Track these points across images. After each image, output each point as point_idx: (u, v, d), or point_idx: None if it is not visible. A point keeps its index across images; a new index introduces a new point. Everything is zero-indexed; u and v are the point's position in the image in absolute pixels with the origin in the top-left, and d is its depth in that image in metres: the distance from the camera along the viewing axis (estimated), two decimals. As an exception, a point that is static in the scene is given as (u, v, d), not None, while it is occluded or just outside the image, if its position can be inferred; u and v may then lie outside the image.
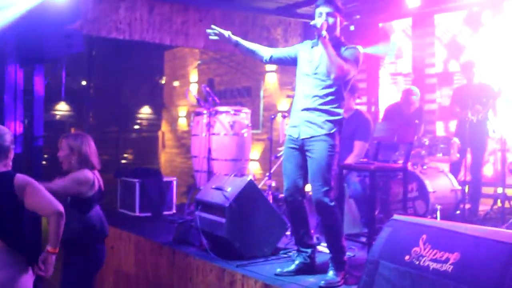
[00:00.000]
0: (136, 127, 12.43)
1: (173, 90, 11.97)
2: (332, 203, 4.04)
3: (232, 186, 4.69)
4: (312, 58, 4.11)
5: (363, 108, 8.60)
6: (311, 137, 4.04)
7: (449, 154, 5.91)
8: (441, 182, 5.89)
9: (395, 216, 3.56)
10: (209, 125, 6.12)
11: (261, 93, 6.54)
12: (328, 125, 4.03)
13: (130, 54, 11.06)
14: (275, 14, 8.59)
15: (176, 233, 5.25)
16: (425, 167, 6.03)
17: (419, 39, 7.78)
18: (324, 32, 3.89)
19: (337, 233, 4.14)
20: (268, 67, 9.30)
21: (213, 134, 6.19)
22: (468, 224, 3.18)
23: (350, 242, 4.77)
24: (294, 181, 4.18)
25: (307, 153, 4.07)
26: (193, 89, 11.50)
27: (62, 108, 11.42)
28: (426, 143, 6.00)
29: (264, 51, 4.33)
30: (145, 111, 12.52)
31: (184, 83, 11.76)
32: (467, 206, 6.09)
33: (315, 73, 4.07)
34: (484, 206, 6.83)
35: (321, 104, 4.05)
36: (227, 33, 4.24)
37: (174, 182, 6.88)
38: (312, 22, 3.93)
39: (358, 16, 7.83)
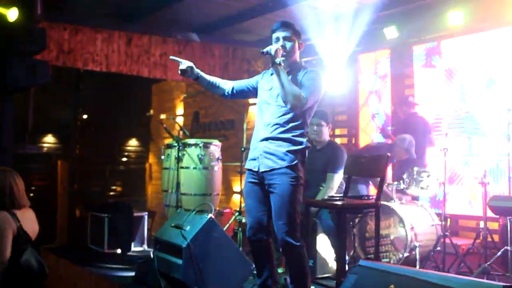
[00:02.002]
0: (124, 159, 11.82)
1: (175, 124, 11.41)
2: (298, 243, 3.44)
3: (191, 225, 4.07)
4: (272, 85, 3.58)
5: (344, 140, 8.04)
6: (272, 169, 3.46)
7: (428, 188, 5.31)
8: (419, 217, 5.26)
9: (362, 262, 2.96)
10: (179, 158, 5.51)
11: (245, 126, 5.95)
12: (290, 156, 3.46)
13: (118, 86, 10.54)
14: (256, 46, 8.07)
15: (136, 273, 4.61)
16: (403, 200, 5.43)
17: (398, 71, 7.25)
18: (278, 59, 3.40)
19: (303, 276, 3.54)
20: (251, 100, 8.77)
21: (182, 167, 5.58)
22: (442, 273, 2.59)
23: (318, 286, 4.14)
24: (257, 219, 3.58)
25: (269, 188, 3.49)
26: (179, 121, 10.95)
27: (49, 140, 10.82)
28: (404, 176, 5.41)
29: (225, 84, 3.80)
30: (133, 143, 11.93)
31: (170, 116, 11.20)
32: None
33: (276, 101, 3.53)
34: (465, 240, 6.24)
35: (282, 133, 3.49)
36: (188, 63, 3.64)
37: (146, 217, 6.24)
38: (265, 49, 3.42)
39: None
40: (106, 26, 7.13)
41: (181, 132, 5.92)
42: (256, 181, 3.57)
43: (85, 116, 10.71)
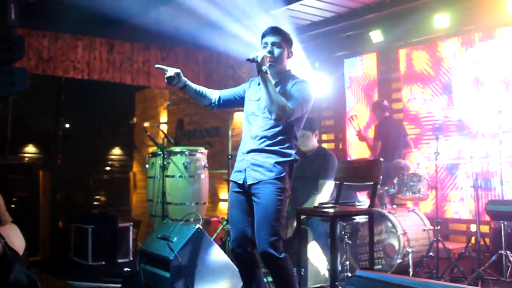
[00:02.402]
0: (107, 168, 11.58)
1: (159, 132, 11.20)
2: (282, 255, 3.25)
3: (178, 235, 3.90)
4: (260, 96, 3.38)
5: (331, 145, 7.92)
6: (259, 182, 3.29)
7: (419, 192, 5.19)
8: (411, 222, 5.14)
9: (358, 272, 2.80)
10: (164, 167, 5.32)
11: (230, 133, 5.77)
12: (278, 168, 3.29)
13: (101, 95, 10.33)
14: (240, 52, 7.92)
15: (122, 287, 4.41)
16: (394, 206, 5.31)
17: (384, 75, 7.14)
18: (265, 67, 3.22)
19: None
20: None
21: (167, 176, 5.38)
22: (443, 282, 2.45)
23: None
24: (242, 230, 3.39)
25: (253, 198, 3.31)
26: (164, 128, 10.76)
27: (30, 151, 10.55)
28: (395, 181, 5.29)
29: (212, 94, 3.58)
30: (116, 152, 11.69)
31: (154, 124, 11.02)
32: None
33: (263, 113, 3.36)
34: (456, 244, 6.14)
35: (270, 145, 3.32)
36: (175, 70, 3.40)
37: (131, 228, 6.04)
38: (251, 55, 3.23)
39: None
40: (87, 32, 6.93)
41: (165, 140, 5.71)
42: (241, 190, 3.40)
43: (67, 125, 10.46)
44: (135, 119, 11.53)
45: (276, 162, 3.29)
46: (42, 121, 10.25)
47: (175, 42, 7.54)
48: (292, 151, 3.37)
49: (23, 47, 5.38)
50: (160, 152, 5.49)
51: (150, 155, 5.85)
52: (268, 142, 3.32)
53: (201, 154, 5.72)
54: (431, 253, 5.06)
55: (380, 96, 7.13)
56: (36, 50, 6.63)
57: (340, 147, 7.71)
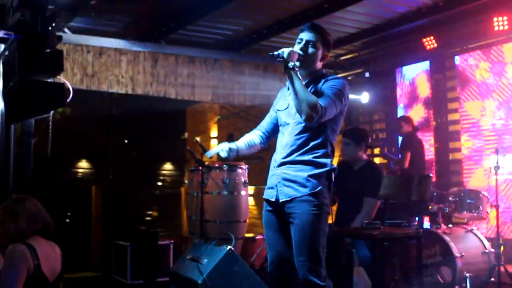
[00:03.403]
0: (159, 183, 11.45)
1: (195, 145, 11.02)
2: (323, 283, 2.88)
3: (209, 257, 3.58)
4: (289, 103, 3.04)
5: (384, 161, 7.43)
6: (292, 199, 2.92)
7: (478, 210, 4.68)
8: (469, 244, 4.64)
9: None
10: (202, 183, 5.03)
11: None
12: (312, 183, 2.91)
13: (152, 109, 10.23)
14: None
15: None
16: (450, 225, 4.81)
17: (439, 83, 6.63)
18: (291, 63, 2.83)
19: None
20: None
21: (206, 192, 5.09)
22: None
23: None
24: (279, 252, 3.04)
25: (288, 218, 2.95)
26: (213, 144, 10.55)
27: (83, 166, 10.56)
28: (450, 198, 4.80)
29: (258, 137, 3.28)
30: (168, 167, 11.55)
31: (205, 138, 10.82)
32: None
33: (294, 118, 2.99)
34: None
35: (302, 154, 2.95)
36: (224, 147, 3.14)
37: (171, 245, 5.77)
38: (276, 52, 2.86)
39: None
40: (131, 47, 6.79)
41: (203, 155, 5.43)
42: (273, 209, 3.05)
43: (118, 140, 10.42)
44: (186, 134, 11.39)
45: (309, 176, 2.91)
46: (94, 136, 10.26)
47: (220, 55, 7.30)
48: (328, 160, 2.97)
49: (61, 62, 5.31)
50: (199, 168, 5.21)
51: (189, 171, 5.59)
52: (300, 150, 2.95)
53: (241, 170, 5.39)
54: (492, 279, 4.54)
55: (436, 107, 6.63)
56: (81, 66, 6.53)
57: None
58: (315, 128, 2.94)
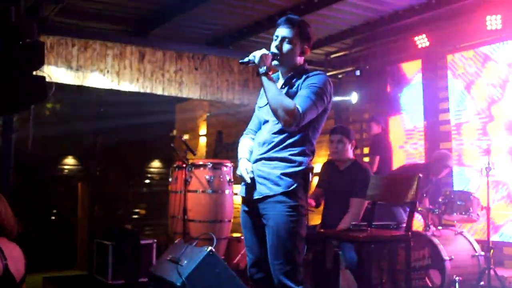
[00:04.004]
0: (147, 181, 11.27)
1: (181, 143, 10.82)
2: (299, 287, 2.73)
3: (188, 259, 3.41)
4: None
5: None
6: (265, 197, 2.75)
7: (468, 213, 4.53)
8: (459, 247, 4.50)
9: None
10: (186, 181, 4.86)
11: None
12: (286, 180, 2.73)
13: (140, 106, 10.04)
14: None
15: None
16: (439, 228, 4.66)
17: (430, 83, 6.48)
18: (263, 68, 2.69)
19: None
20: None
21: (189, 191, 4.91)
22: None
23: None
24: (258, 255, 2.88)
25: (263, 219, 2.78)
26: (202, 141, 10.39)
27: (69, 163, 10.35)
28: (440, 200, 4.65)
29: (251, 139, 3.02)
30: (156, 165, 11.37)
31: (194, 136, 10.65)
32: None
33: (272, 116, 2.79)
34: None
35: (276, 152, 2.77)
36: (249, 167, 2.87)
37: (154, 245, 5.59)
38: (245, 58, 2.75)
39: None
40: (118, 41, 6.60)
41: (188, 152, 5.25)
42: (248, 209, 2.88)
43: (105, 137, 10.23)
44: (175, 132, 11.20)
45: (283, 174, 2.72)
46: (82, 133, 10.06)
47: (209, 51, 7.13)
48: (305, 158, 2.78)
49: (42, 54, 5.12)
50: (183, 165, 5.03)
51: (173, 168, 5.41)
52: (277, 148, 2.77)
53: (226, 168, 5.22)
54: (482, 282, 4.40)
55: (426, 106, 6.49)
56: (65, 59, 6.34)
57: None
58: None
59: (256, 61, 2.71)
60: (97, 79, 6.47)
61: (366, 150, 7.28)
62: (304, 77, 2.81)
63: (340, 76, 7.23)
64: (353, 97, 6.97)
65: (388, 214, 4.41)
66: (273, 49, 2.79)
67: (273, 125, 2.80)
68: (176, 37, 6.86)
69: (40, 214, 9.10)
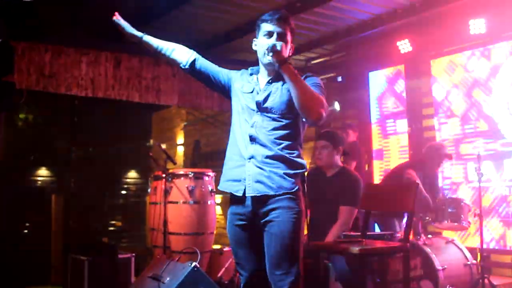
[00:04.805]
0: (123, 192, 10.92)
1: (161, 153, 10.53)
2: None
3: (171, 276, 3.15)
4: (254, 88, 2.68)
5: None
6: (265, 197, 2.53)
7: (459, 220, 4.36)
8: (451, 256, 4.32)
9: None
10: (166, 192, 4.59)
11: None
12: (289, 181, 2.53)
13: (116, 115, 9.74)
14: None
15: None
16: (430, 236, 4.48)
17: (414, 88, 6.34)
18: (286, 57, 2.54)
19: None
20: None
21: (170, 202, 4.64)
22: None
23: None
24: (255, 270, 2.63)
25: (263, 225, 2.56)
26: (180, 151, 10.12)
27: (42, 174, 9.96)
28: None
29: (186, 53, 2.81)
30: (132, 175, 11.03)
31: (171, 146, 10.37)
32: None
33: (264, 109, 2.61)
34: (501, 279, 5.23)
35: (275, 151, 2.56)
36: (123, 25, 2.80)
37: (133, 259, 5.28)
38: (267, 43, 2.55)
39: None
40: (93, 47, 6.31)
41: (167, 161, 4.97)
42: (243, 218, 2.61)
43: (80, 147, 9.88)
44: (151, 141, 10.91)
45: (286, 173, 2.53)
46: (55, 143, 9.70)
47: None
48: (303, 161, 2.62)
49: (11, 60, 4.83)
50: (163, 175, 4.76)
51: (152, 178, 5.13)
52: (275, 146, 2.56)
53: (209, 178, 4.96)
54: (475, 292, 4.22)
55: (409, 112, 6.34)
56: (38, 66, 6.02)
57: (366, 168, 6.89)
58: (289, 126, 2.60)
59: (279, 48, 2.52)
60: (70, 86, 6.16)
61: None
62: (302, 77, 2.64)
63: (321, 82, 7.04)
64: (336, 106, 6.78)
65: (380, 222, 4.21)
66: (279, 46, 2.55)
67: (267, 121, 2.60)
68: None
69: (11, 227, 8.71)
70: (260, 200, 2.54)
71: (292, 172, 2.55)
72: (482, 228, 4.32)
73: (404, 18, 5.55)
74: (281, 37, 2.63)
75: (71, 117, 9.54)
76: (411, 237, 4.36)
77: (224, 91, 2.83)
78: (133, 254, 5.30)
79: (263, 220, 2.55)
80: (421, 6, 5.32)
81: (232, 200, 2.67)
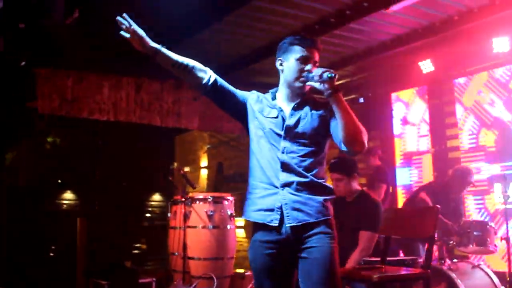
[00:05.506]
0: (148, 215, 10.92)
1: (181, 177, 10.54)
2: None
3: (186, 302, 3.09)
4: (279, 113, 2.55)
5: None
6: (305, 224, 2.42)
7: (485, 244, 4.21)
8: (477, 281, 4.16)
9: None
10: (185, 216, 4.55)
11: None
12: (326, 208, 2.46)
13: (140, 139, 9.79)
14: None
15: None
16: (455, 260, 4.33)
17: (437, 108, 6.22)
18: (338, 86, 2.46)
19: None
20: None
21: (189, 226, 4.59)
22: None
23: None
24: None
25: (300, 252, 2.44)
26: (203, 174, 10.11)
27: (68, 197, 10.03)
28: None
29: (204, 72, 2.59)
30: (156, 198, 11.03)
31: (195, 169, 10.38)
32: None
33: (294, 134, 2.51)
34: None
35: (309, 177, 2.47)
36: (141, 33, 2.46)
37: (153, 284, 5.24)
38: (329, 72, 2.39)
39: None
40: (114, 71, 6.37)
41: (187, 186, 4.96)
42: (274, 247, 2.47)
43: (105, 171, 9.93)
44: (175, 164, 10.90)
45: (325, 200, 2.46)
46: (80, 166, 9.78)
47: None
48: (332, 187, 2.55)
49: (34, 87, 4.88)
50: (182, 200, 4.73)
51: (172, 203, 5.10)
52: (307, 173, 2.47)
53: (228, 202, 4.90)
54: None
55: (433, 133, 6.22)
56: (60, 91, 6.09)
57: (390, 190, 6.75)
58: (318, 152, 2.53)
59: (336, 76, 2.41)
60: (93, 111, 6.22)
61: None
62: (315, 102, 2.59)
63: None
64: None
65: (404, 245, 4.09)
66: (335, 74, 2.42)
67: (297, 147, 2.50)
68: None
69: (38, 251, 8.78)
70: (298, 229, 2.43)
71: (328, 198, 2.49)
72: (510, 251, 4.16)
73: (425, 38, 5.48)
74: (315, 64, 2.55)
75: (96, 140, 9.66)
76: (435, 262, 4.23)
77: (238, 113, 2.65)
78: (154, 279, 5.26)
79: (301, 247, 2.44)
80: (441, 25, 5.24)
81: (261, 229, 2.51)
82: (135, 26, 2.43)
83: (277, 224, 2.44)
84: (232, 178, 9.29)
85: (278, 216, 2.45)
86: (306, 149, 2.50)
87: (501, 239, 4.23)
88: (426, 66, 5.86)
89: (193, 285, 3.31)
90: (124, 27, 2.42)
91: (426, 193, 4.54)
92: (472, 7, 4.92)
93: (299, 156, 2.48)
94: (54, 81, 6.07)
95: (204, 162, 10.24)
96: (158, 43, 2.50)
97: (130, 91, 6.47)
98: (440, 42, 5.54)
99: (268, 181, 2.50)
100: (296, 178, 2.45)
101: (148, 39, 2.47)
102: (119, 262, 8.85)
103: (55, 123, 8.85)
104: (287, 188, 2.46)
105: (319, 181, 2.48)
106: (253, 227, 2.56)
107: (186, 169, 10.56)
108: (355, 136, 2.41)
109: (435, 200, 4.32)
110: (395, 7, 4.78)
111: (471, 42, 5.41)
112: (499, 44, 5.25)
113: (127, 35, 2.44)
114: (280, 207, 2.45)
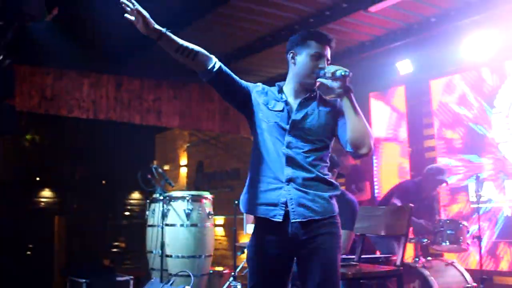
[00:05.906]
0: (126, 213, 10.90)
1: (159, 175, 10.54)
2: None
3: (164, 299, 3.13)
4: (285, 107, 2.50)
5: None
6: (310, 221, 2.36)
7: (458, 242, 4.31)
8: (450, 278, 4.26)
9: None
10: (163, 214, 4.58)
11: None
12: (332, 204, 2.42)
13: (119, 137, 9.76)
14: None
15: None
16: (429, 258, 4.43)
17: (414, 109, 6.33)
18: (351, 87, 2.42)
19: None
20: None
21: (167, 225, 4.62)
22: None
23: None
24: None
25: (304, 250, 2.39)
26: (183, 172, 10.13)
27: (46, 195, 9.98)
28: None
29: (210, 58, 2.44)
30: (135, 197, 11.03)
31: (174, 167, 10.39)
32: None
33: (300, 129, 2.46)
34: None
35: (314, 173, 2.41)
36: (144, 13, 2.31)
37: (131, 282, 5.26)
38: (343, 70, 2.37)
39: None
40: (94, 69, 6.37)
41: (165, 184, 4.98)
42: (279, 246, 2.41)
43: (83, 169, 9.90)
44: (155, 162, 10.88)
45: (330, 196, 2.41)
46: (59, 164, 9.74)
47: (189, 79, 6.91)
48: (337, 183, 2.50)
49: (11, 83, 4.86)
50: (161, 198, 4.76)
51: (150, 201, 5.12)
52: (313, 168, 2.42)
53: (206, 200, 4.93)
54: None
55: (410, 133, 6.32)
56: (39, 88, 6.08)
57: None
58: (323, 148, 2.48)
59: (350, 75, 2.39)
60: (72, 108, 6.21)
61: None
62: (322, 99, 2.56)
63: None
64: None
65: (380, 244, 4.17)
66: (350, 73, 2.40)
67: (302, 143, 2.45)
68: (155, 64, 6.64)
69: (14, 249, 8.72)
70: (303, 226, 2.37)
71: (334, 194, 2.44)
72: (481, 249, 4.27)
73: (403, 39, 5.58)
74: (327, 61, 2.51)
75: (75, 139, 9.62)
76: (409, 260, 4.32)
77: (241, 103, 2.55)
78: (132, 277, 5.28)
79: (306, 246, 2.38)
80: (419, 27, 5.35)
81: (263, 225, 2.44)
82: (138, 6, 2.30)
83: (280, 220, 2.37)
84: (212, 176, 9.33)
85: (282, 212, 2.38)
86: (311, 145, 2.45)
87: (473, 237, 4.34)
88: (404, 66, 5.95)
89: (170, 283, 3.34)
90: (128, 9, 2.28)
91: (399, 195, 4.62)
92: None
93: (303, 152, 2.43)
94: (33, 79, 6.06)
95: (184, 160, 10.26)
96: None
97: (110, 89, 6.48)
98: (419, 43, 5.64)
99: (272, 175, 2.43)
100: (302, 173, 2.40)
101: (151, 20, 2.33)
102: (97, 260, 8.86)
103: (35, 120, 8.83)
104: (292, 183, 2.40)
105: (325, 177, 2.43)
106: (255, 223, 2.51)
107: (166, 167, 10.58)
108: (363, 138, 2.36)
109: (409, 198, 4.40)
110: (373, 8, 4.89)
111: (449, 43, 5.51)
112: (476, 46, 5.36)
113: (132, 18, 2.29)
114: (285, 203, 2.38)
